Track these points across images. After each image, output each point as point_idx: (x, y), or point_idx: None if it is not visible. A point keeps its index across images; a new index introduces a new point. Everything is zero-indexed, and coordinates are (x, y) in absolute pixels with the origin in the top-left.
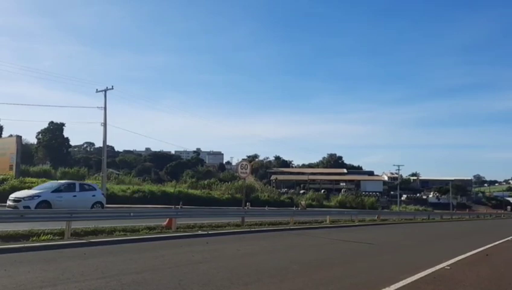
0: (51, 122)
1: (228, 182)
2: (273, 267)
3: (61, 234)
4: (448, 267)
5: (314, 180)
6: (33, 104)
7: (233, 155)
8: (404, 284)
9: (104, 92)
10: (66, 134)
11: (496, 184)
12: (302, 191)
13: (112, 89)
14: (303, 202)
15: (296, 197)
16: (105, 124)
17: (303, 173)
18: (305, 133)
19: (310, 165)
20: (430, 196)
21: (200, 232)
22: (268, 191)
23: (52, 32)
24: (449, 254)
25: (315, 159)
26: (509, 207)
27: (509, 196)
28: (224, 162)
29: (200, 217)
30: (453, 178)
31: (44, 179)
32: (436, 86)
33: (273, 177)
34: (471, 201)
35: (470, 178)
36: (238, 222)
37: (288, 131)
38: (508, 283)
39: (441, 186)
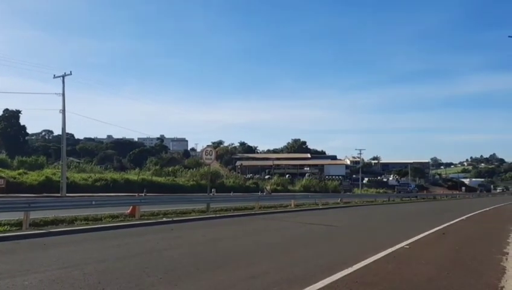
0: (6, 110)
1: (193, 169)
2: (239, 252)
3: (19, 225)
4: (408, 247)
5: (279, 165)
6: None
7: (198, 142)
8: (366, 263)
9: (62, 77)
10: (22, 122)
11: (452, 166)
12: (267, 177)
13: (71, 74)
14: (268, 187)
15: (262, 183)
16: (64, 111)
17: (268, 159)
18: (269, 119)
19: (275, 151)
20: (391, 178)
21: (164, 219)
22: (234, 177)
23: (4, 16)
24: (408, 234)
25: (280, 144)
26: (463, 188)
27: (464, 178)
28: (188, 149)
29: (165, 204)
30: (411, 161)
31: (0, 169)
32: (393, 72)
33: (238, 163)
34: (429, 183)
35: (427, 161)
36: (203, 208)
37: (253, 117)
38: (462, 258)
39: (401, 169)
